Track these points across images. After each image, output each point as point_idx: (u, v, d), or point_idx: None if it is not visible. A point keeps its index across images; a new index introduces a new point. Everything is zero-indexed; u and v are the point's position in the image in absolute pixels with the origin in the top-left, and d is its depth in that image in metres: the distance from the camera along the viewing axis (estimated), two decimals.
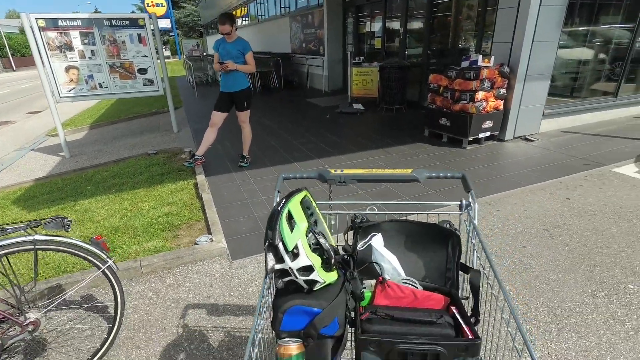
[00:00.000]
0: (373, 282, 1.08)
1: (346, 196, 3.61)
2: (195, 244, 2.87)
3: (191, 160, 4.50)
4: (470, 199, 1.22)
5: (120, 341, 2.07)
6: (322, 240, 0.96)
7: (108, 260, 1.89)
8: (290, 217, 0.94)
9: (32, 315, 1.70)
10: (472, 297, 1.00)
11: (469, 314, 0.99)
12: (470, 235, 1.20)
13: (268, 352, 1.31)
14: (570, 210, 3.30)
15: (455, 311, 0.97)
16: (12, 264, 1.93)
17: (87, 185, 4.22)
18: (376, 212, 1.26)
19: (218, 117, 4.35)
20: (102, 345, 1.92)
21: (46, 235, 1.74)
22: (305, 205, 1.12)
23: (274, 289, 1.01)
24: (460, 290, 1.17)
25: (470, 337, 0.89)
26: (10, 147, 6.49)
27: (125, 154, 5.40)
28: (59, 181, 4.41)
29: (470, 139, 4.85)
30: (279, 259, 0.93)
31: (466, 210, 1.22)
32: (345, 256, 1.07)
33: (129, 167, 4.71)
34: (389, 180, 1.29)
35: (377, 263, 1.15)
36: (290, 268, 0.91)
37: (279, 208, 0.96)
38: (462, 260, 1.18)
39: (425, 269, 1.19)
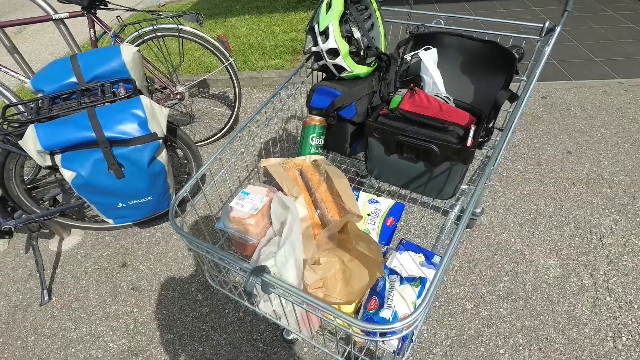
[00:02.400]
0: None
1: None
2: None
3: None
4: (559, 24, 1.02)
5: (239, 128, 2.68)
6: (354, 30, 1.00)
7: (230, 58, 2.30)
8: (330, 3, 0.99)
9: (180, 89, 2.32)
10: (493, 113, 0.97)
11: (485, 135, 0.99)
12: (537, 64, 1.05)
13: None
14: None
15: (472, 128, 0.98)
16: (167, 46, 2.53)
17: (236, 4, 4.68)
18: (442, 26, 1.18)
19: None
20: (225, 126, 2.54)
21: (189, 27, 2.17)
22: (363, 5, 1.13)
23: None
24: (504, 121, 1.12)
25: (468, 145, 0.92)
26: None
27: None
28: None
29: None
30: (315, 42, 1.04)
31: (547, 36, 1.04)
32: (384, 57, 1.10)
33: None
34: None
35: (420, 76, 1.15)
36: (321, 50, 1.02)
37: None
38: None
39: (474, 93, 1.14)
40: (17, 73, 2.08)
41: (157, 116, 1.42)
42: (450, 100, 1.10)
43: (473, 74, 1.13)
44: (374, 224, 0.86)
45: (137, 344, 1.58)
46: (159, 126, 1.42)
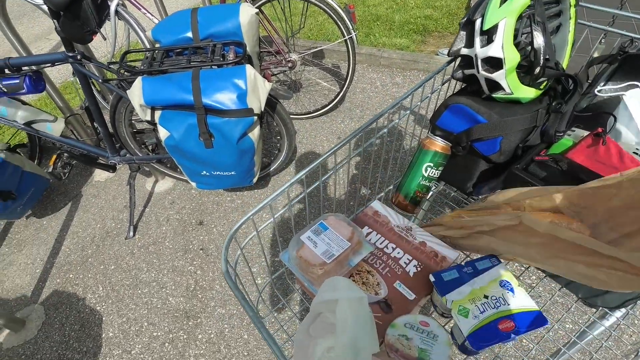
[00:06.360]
0: (584, 134, 0.76)
1: None
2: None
3: None
4: None
5: (343, 108, 2.48)
6: (537, 36, 0.68)
7: (352, 32, 2.06)
8: None
9: (293, 56, 2.18)
10: None
11: None
12: None
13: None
14: None
15: None
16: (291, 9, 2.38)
17: None
18: None
19: None
20: (329, 103, 2.36)
21: None
22: None
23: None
24: None
25: None
26: None
27: None
28: None
29: None
30: (469, 43, 0.74)
31: None
32: (566, 80, 0.75)
33: None
34: None
35: (611, 115, 0.78)
36: (475, 55, 0.72)
37: None
38: None
39: None
40: (152, 15, 2.17)
41: (258, 90, 1.29)
42: None
43: None
44: (481, 313, 0.59)
45: (191, 307, 1.60)
46: (257, 102, 1.29)
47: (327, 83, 2.71)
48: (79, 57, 1.36)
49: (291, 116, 2.42)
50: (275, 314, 1.48)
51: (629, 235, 0.52)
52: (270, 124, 2.30)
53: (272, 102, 1.57)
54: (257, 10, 1.46)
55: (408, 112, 0.88)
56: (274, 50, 2.19)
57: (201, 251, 1.80)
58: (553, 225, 0.57)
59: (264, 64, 2.18)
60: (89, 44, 1.76)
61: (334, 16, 2.02)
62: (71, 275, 1.78)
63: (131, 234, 1.87)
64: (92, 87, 1.52)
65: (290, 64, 2.19)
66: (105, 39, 1.95)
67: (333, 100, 2.36)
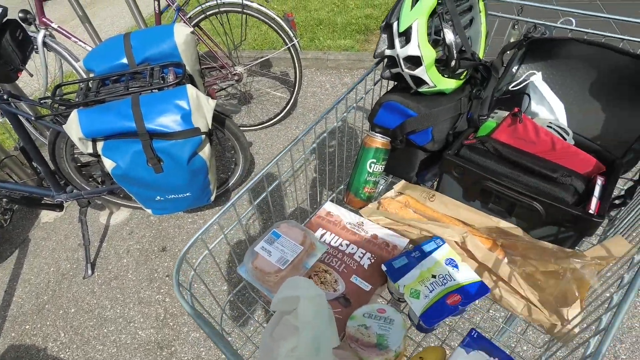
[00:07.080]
0: (506, 114, 0.83)
1: None
2: None
3: None
4: None
5: (296, 114, 2.51)
6: (447, 33, 0.74)
7: (294, 39, 2.09)
8: None
9: (238, 69, 2.18)
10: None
11: (618, 194, 0.69)
12: None
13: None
14: None
15: (599, 182, 0.69)
16: (230, 23, 2.38)
17: None
18: (572, 27, 0.86)
19: None
20: (281, 111, 2.38)
21: (254, 3, 2.00)
22: None
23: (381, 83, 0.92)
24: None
25: (591, 211, 0.64)
26: None
27: None
28: None
29: None
30: (391, 44, 0.79)
31: None
32: (484, 69, 0.82)
33: None
34: None
35: (528, 95, 0.86)
36: (397, 55, 0.77)
37: None
38: None
39: (607, 128, 0.82)
40: (85, 43, 2.09)
41: (202, 108, 1.28)
42: (568, 134, 0.80)
43: (610, 100, 0.80)
44: (431, 292, 0.64)
45: (163, 337, 1.55)
46: (203, 120, 1.28)
47: (276, 92, 2.73)
48: (5, 97, 1.29)
49: (245, 128, 2.42)
50: (240, 328, 1.47)
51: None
52: (222, 140, 2.29)
53: (220, 117, 1.57)
54: (192, 29, 1.45)
55: (345, 114, 0.92)
56: (219, 65, 2.18)
57: (167, 278, 1.75)
58: (489, 255, 0.69)
59: (210, 80, 2.16)
60: (17, 81, 1.66)
61: (273, 26, 2.05)
62: (27, 327, 1.66)
63: (89, 272, 1.78)
64: (27, 125, 1.44)
65: (236, 77, 2.18)
66: (32, 76, 1.85)
67: (285, 107, 2.38)
